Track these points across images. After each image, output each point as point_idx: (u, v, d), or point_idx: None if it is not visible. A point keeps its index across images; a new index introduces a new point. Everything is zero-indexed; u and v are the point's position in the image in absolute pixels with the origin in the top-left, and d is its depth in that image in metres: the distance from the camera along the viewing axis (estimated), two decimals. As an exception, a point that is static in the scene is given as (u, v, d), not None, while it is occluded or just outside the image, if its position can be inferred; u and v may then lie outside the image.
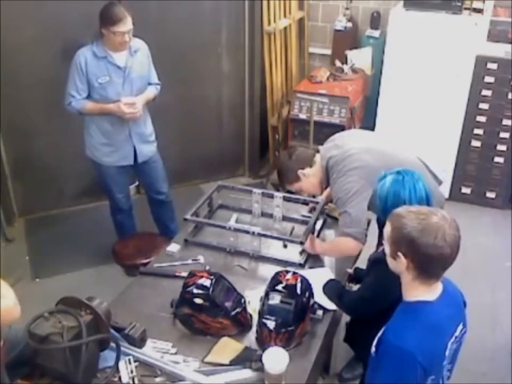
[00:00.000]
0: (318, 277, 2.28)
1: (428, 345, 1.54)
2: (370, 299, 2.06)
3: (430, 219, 1.55)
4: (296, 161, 2.58)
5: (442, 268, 1.59)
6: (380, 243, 1.76)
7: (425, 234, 1.53)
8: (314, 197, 2.82)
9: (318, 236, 2.64)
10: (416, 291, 1.62)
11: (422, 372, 1.53)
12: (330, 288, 2.21)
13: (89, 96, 3.07)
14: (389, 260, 1.67)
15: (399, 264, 1.62)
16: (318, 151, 2.63)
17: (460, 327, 1.68)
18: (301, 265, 2.43)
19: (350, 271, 2.37)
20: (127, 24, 2.89)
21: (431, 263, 1.56)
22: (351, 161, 2.40)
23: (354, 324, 2.49)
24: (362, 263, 2.39)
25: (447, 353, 1.61)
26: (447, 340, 1.61)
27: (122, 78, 3.06)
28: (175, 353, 1.97)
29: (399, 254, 1.60)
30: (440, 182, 2.72)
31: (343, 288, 2.25)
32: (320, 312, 2.14)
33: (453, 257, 1.56)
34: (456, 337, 1.65)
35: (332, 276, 2.35)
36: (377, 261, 2.01)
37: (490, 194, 4.37)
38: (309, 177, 2.58)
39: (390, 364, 1.57)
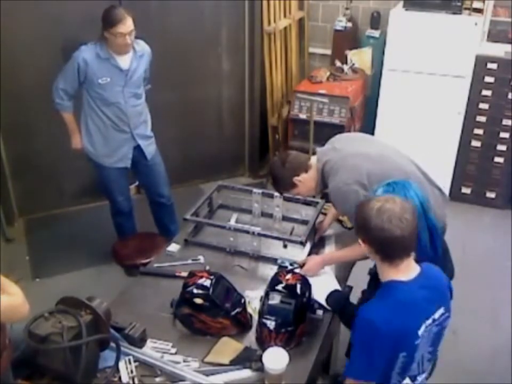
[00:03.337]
0: (318, 277, 2.28)
1: (395, 320, 1.60)
2: None
3: (384, 203, 1.63)
4: (290, 169, 2.40)
5: (400, 249, 1.65)
6: None
7: (375, 217, 1.61)
8: (314, 196, 2.80)
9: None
10: (388, 272, 1.70)
11: (390, 344, 1.60)
12: (334, 301, 2.15)
13: (87, 93, 3.08)
14: None
15: (366, 251, 1.71)
16: (314, 153, 2.50)
17: (441, 310, 1.72)
18: (301, 265, 2.42)
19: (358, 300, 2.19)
20: (127, 25, 2.88)
21: (383, 245, 1.64)
22: (348, 167, 2.26)
23: None
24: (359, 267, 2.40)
25: (420, 332, 1.65)
26: (422, 319, 1.66)
27: (124, 81, 3.06)
28: (175, 353, 1.97)
29: (359, 240, 1.69)
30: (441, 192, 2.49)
31: (346, 300, 2.17)
32: (320, 312, 2.14)
33: (408, 239, 1.62)
34: (434, 319, 1.69)
35: (333, 275, 2.35)
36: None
37: (490, 194, 4.38)
38: (306, 182, 2.41)
39: (359, 336, 1.67)
